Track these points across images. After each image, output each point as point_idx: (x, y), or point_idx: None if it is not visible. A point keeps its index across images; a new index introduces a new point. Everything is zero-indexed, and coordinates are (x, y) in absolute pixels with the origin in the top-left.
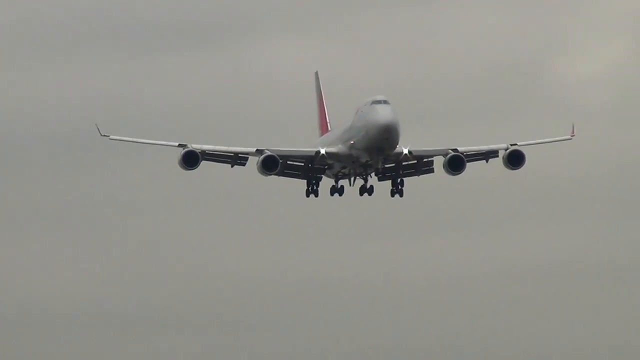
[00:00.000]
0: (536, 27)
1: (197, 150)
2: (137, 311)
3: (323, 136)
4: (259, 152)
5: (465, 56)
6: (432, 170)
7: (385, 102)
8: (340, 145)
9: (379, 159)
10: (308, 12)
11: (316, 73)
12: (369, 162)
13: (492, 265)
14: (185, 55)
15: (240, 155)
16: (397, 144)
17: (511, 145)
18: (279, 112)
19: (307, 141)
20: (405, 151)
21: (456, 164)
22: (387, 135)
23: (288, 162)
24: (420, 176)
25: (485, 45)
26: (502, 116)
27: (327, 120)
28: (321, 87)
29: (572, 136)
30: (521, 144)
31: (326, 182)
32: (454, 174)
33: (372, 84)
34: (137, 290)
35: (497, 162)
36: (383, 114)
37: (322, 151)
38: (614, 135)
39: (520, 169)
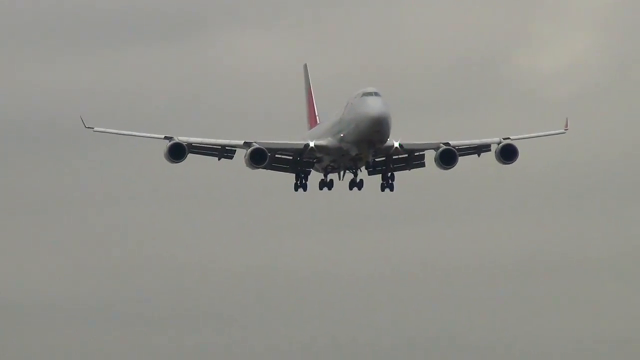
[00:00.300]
0: (501, 20)
1: (184, 143)
2: (122, 305)
3: (312, 129)
4: (246, 144)
5: (430, 50)
6: (423, 164)
7: (376, 94)
8: (329, 138)
9: (369, 152)
10: (281, 4)
11: (305, 65)
12: (359, 156)
13: (484, 259)
14: (162, 48)
15: (227, 148)
16: (388, 137)
17: (504, 139)
18: (260, 105)
19: (291, 134)
20: (396, 144)
21: (448, 158)
22: (377, 128)
23: (276, 155)
24: (411, 170)
25: (450, 39)
26: (467, 110)
27: (316, 113)
28: (310, 80)
29: (565, 130)
30: (514, 138)
31: (315, 176)
32: (445, 168)
33: (344, 76)
34: (121, 284)
35: (490, 156)
36: (374, 106)
37: (311, 144)
38: (581, 129)
39: (512, 164)
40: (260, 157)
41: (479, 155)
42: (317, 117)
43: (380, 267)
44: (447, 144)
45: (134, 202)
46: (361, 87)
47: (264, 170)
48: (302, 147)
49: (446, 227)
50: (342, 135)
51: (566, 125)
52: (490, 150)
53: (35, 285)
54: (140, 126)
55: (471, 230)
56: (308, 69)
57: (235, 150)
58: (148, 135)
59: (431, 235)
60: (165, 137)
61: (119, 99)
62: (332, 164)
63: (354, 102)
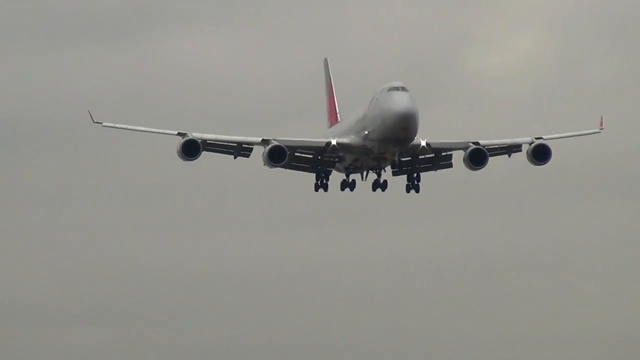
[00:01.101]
0: (449, 19)
1: (198, 140)
2: (127, 304)
3: (333, 126)
4: (264, 142)
5: (379, 50)
6: (450, 165)
7: (403, 88)
8: (352, 136)
9: (395, 151)
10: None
11: (325, 60)
12: (384, 155)
13: (513, 263)
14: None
15: (244, 145)
16: (415, 135)
17: (536, 138)
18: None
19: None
20: (423, 143)
21: (478, 158)
22: (404, 125)
23: (296, 153)
24: (437, 171)
25: (398, 38)
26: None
27: (337, 110)
28: (331, 75)
29: (601, 129)
30: (547, 138)
31: (336, 176)
32: (474, 169)
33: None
34: (129, 283)
35: (521, 157)
36: (401, 102)
37: (333, 142)
38: (527, 128)
39: (546, 165)
40: (279, 155)
41: (509, 155)
42: (338, 114)
43: (406, 270)
44: (476, 143)
45: (143, 200)
46: (311, 88)
47: (283, 169)
48: (323, 145)
49: (475, 230)
50: (366, 132)
51: (601, 124)
52: (521, 150)
53: (35, 284)
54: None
55: (500, 233)
56: (329, 63)
57: (252, 148)
58: (160, 131)
59: (459, 239)
60: (179, 134)
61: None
62: (354, 164)
63: (380, 97)
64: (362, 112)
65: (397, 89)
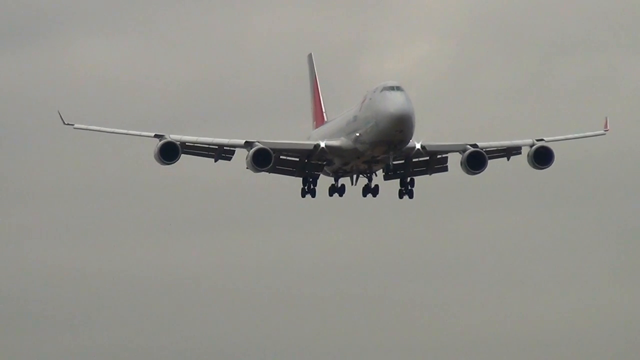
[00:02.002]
0: (344, 24)
1: (177, 142)
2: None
3: (319, 128)
4: (248, 144)
5: (273, 54)
6: (445, 169)
7: (398, 88)
8: (343, 138)
9: (389, 154)
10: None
11: (310, 55)
12: (377, 158)
13: (512, 273)
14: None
15: (226, 148)
16: (411, 138)
17: (537, 140)
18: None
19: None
20: (418, 146)
21: (476, 161)
22: (400, 127)
23: (281, 156)
24: (432, 175)
25: (293, 41)
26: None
27: (324, 110)
28: (316, 71)
29: (606, 130)
30: (548, 140)
31: (324, 181)
32: (473, 173)
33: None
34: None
35: (520, 160)
36: (396, 103)
37: (322, 144)
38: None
39: (548, 168)
40: (264, 159)
41: (508, 158)
42: (325, 114)
43: (398, 278)
44: (474, 145)
45: (120, 208)
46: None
47: (267, 173)
48: (311, 148)
49: (473, 239)
50: (357, 134)
51: (606, 126)
52: (520, 153)
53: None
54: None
55: (498, 240)
56: (313, 59)
57: (234, 151)
58: (136, 133)
59: (454, 247)
60: (156, 136)
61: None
62: (344, 168)
63: (373, 97)
64: (354, 113)
65: (392, 88)
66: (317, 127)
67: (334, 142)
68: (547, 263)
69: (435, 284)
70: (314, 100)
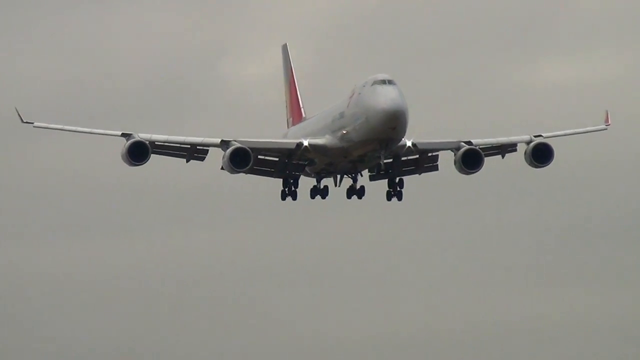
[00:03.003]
0: (204, 28)
1: (146, 141)
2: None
3: (297, 125)
4: (224, 143)
5: (134, 57)
6: (436, 168)
7: (390, 82)
8: (328, 136)
9: (380, 153)
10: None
11: (284, 46)
12: (365, 158)
13: (512, 286)
14: None
15: (199, 147)
16: (404, 136)
17: (534, 136)
18: None
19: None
20: (409, 143)
21: (472, 159)
22: (393, 124)
23: (259, 156)
24: (422, 174)
25: (155, 46)
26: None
27: (301, 105)
28: (292, 64)
29: (607, 125)
30: (547, 136)
31: (306, 182)
32: (468, 173)
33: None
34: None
35: (516, 158)
36: (388, 97)
37: (305, 143)
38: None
39: (546, 167)
40: (242, 159)
41: (502, 156)
42: (303, 110)
43: (386, 288)
44: (469, 142)
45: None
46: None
47: (244, 174)
48: (293, 147)
49: (467, 243)
50: (344, 132)
51: (607, 120)
52: (516, 150)
53: None
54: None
55: (495, 246)
56: (289, 49)
57: (207, 151)
58: (101, 132)
59: (447, 254)
60: (123, 134)
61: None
62: (327, 168)
63: (363, 91)
64: (340, 109)
65: (383, 82)
66: (294, 124)
67: (319, 141)
68: (549, 274)
69: (422, 294)
70: (290, 95)
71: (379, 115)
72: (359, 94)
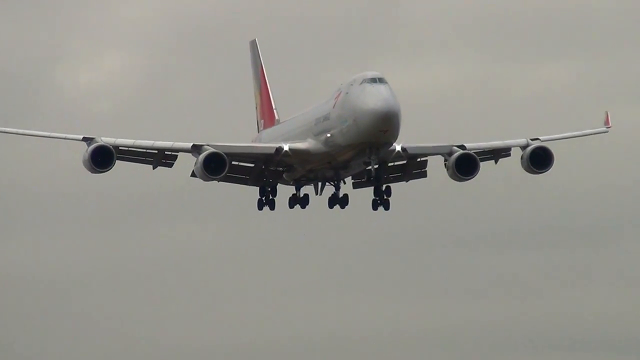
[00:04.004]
0: (37, 35)
1: (111, 146)
2: None
3: (272, 128)
4: (195, 148)
5: None
6: (424, 174)
7: (381, 80)
8: (310, 140)
9: (369, 158)
10: None
11: (253, 42)
12: (350, 163)
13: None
14: None
15: (167, 152)
16: (396, 139)
17: (531, 140)
18: None
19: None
20: (398, 148)
21: (467, 165)
22: (385, 127)
23: (233, 162)
24: (409, 182)
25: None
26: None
27: (274, 106)
28: (262, 61)
29: (608, 127)
30: (544, 139)
31: (284, 190)
32: (461, 179)
33: None
34: None
35: (509, 163)
36: (380, 97)
37: (285, 147)
38: None
39: (545, 172)
40: (217, 165)
41: (496, 161)
42: (276, 112)
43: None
44: (462, 146)
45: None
46: None
47: (217, 182)
48: (272, 152)
49: (460, 255)
50: (328, 135)
51: (607, 122)
52: (510, 154)
53: None
54: None
55: (490, 260)
56: (258, 46)
57: (176, 157)
58: (59, 135)
59: (440, 266)
60: (84, 139)
61: None
62: (308, 175)
63: (351, 91)
64: (325, 110)
65: (373, 80)
66: (266, 127)
67: (300, 145)
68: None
69: (407, 320)
70: (261, 96)
71: (369, 116)
72: (347, 93)
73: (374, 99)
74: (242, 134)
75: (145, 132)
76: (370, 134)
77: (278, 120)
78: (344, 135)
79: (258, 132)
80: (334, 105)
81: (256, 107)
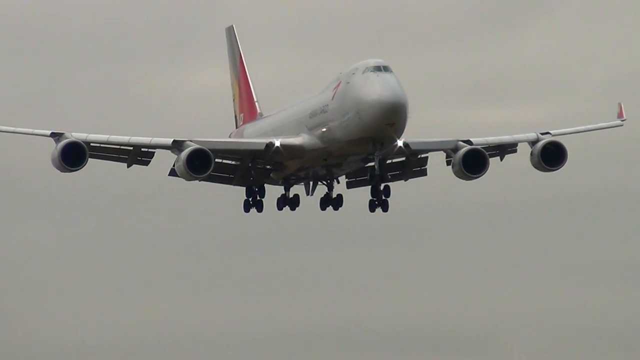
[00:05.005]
0: None
1: (82, 142)
2: None
3: (254, 122)
4: (177, 144)
5: None
6: (424, 172)
7: (386, 69)
8: (305, 135)
9: (373, 155)
10: None
11: (230, 28)
12: (347, 161)
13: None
14: None
15: (144, 149)
16: (402, 133)
17: (541, 134)
18: None
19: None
20: (400, 143)
21: (475, 162)
22: (392, 120)
23: (216, 159)
24: (408, 180)
25: None
26: None
27: (255, 99)
28: (241, 49)
29: (623, 120)
30: (555, 133)
31: (272, 190)
32: (469, 177)
33: None
34: None
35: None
36: (386, 87)
37: (277, 143)
38: None
39: (558, 170)
40: (201, 163)
41: (501, 158)
42: (257, 104)
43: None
44: (468, 141)
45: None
46: None
47: (198, 182)
48: (262, 148)
49: (467, 262)
50: (324, 130)
51: (621, 114)
52: (516, 151)
53: None
54: None
55: (497, 269)
56: (236, 32)
57: (153, 154)
58: (26, 131)
59: (443, 271)
60: (53, 134)
61: None
62: (297, 173)
63: (353, 80)
64: (322, 101)
65: (378, 68)
66: (247, 120)
67: (293, 141)
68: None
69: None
70: (240, 87)
71: (374, 108)
72: (347, 83)
73: (379, 89)
74: (218, 129)
75: (103, 128)
76: (374, 128)
77: (260, 114)
78: (344, 129)
79: (236, 127)
80: (333, 97)
81: (234, 100)
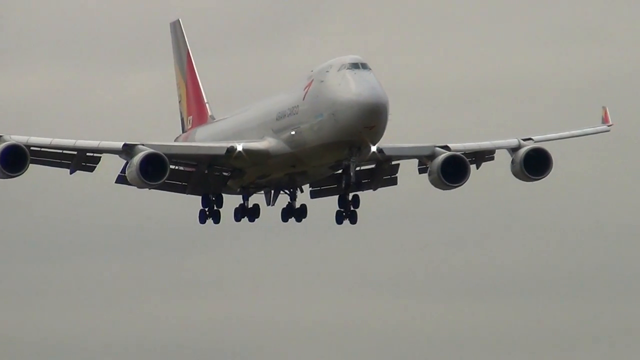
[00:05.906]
0: None
1: (23, 146)
2: None
3: (207, 125)
4: (128, 148)
5: None
6: (394, 181)
7: (364, 66)
8: (270, 139)
9: (349, 161)
10: None
11: (176, 23)
12: (316, 168)
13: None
14: None
15: (89, 154)
16: (381, 137)
17: (523, 140)
18: None
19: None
20: (374, 149)
21: (454, 169)
22: (372, 122)
23: (170, 165)
24: (377, 190)
25: None
26: None
27: (205, 100)
28: (188, 45)
29: (609, 125)
30: (538, 139)
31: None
32: (448, 186)
33: None
34: None
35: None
36: (365, 86)
37: (239, 147)
38: None
39: (542, 179)
40: (155, 169)
41: (477, 166)
42: (208, 106)
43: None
44: (445, 147)
45: None
46: None
47: (148, 190)
48: (223, 152)
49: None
50: (293, 133)
51: (606, 119)
52: (493, 158)
53: None
54: None
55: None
56: (183, 27)
57: (99, 159)
58: None
59: (419, 292)
60: None
61: None
62: (258, 181)
63: (327, 78)
64: (290, 102)
65: (355, 66)
66: (196, 122)
67: (258, 145)
68: None
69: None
70: (187, 87)
71: (352, 110)
72: (321, 81)
73: (358, 88)
74: (162, 133)
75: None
76: (351, 132)
77: (212, 117)
78: (317, 132)
79: (183, 130)
80: (304, 97)
81: (180, 101)
